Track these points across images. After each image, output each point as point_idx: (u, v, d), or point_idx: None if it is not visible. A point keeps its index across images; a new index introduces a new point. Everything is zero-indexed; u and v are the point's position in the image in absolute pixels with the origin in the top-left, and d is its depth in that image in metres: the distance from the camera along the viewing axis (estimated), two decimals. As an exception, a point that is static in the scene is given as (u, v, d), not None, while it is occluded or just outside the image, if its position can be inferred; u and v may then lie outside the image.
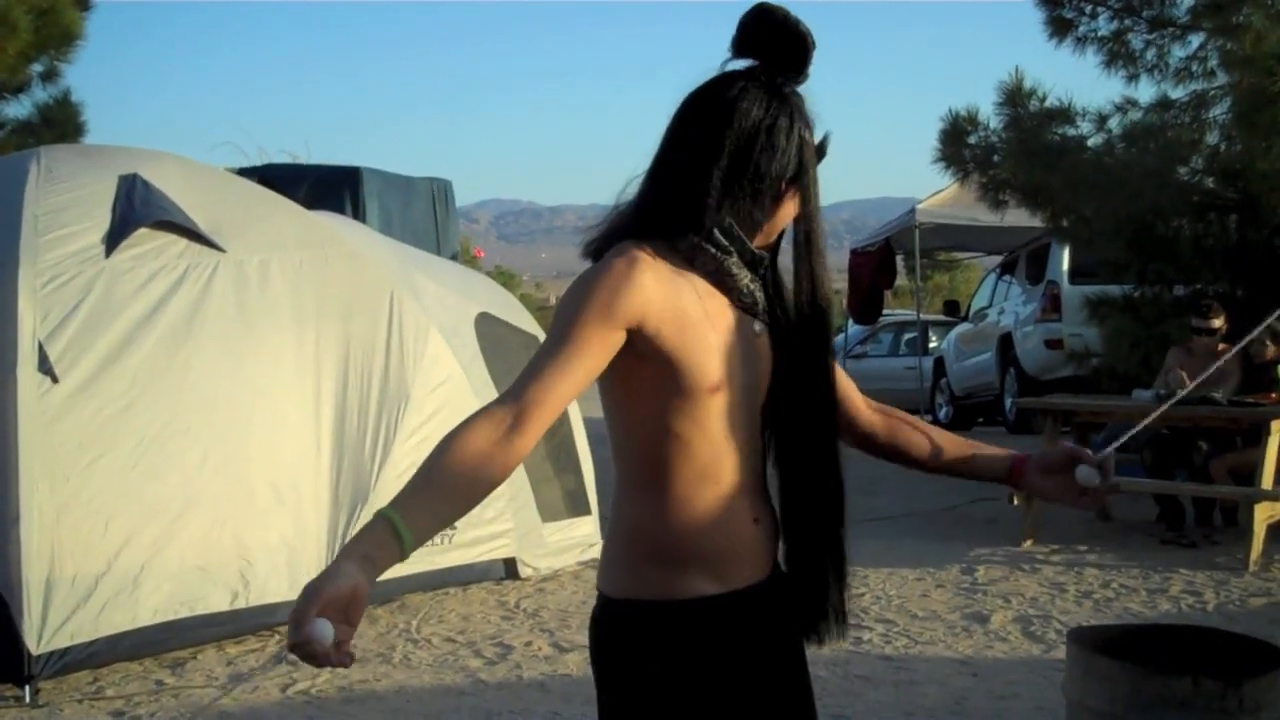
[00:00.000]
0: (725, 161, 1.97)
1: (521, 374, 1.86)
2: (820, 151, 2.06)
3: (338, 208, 11.56)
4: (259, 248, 6.41)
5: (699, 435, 1.98)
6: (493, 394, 7.10)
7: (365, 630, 6.15)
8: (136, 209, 6.08)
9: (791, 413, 2.11)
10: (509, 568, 7.13)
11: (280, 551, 5.86)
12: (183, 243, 6.13)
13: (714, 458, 2.01)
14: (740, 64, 2.02)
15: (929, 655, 5.72)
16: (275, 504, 5.92)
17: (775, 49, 2.00)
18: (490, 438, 1.79)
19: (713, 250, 2.00)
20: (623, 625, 2.06)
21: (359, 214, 11.98)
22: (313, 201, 11.18)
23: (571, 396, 1.87)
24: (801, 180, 2.03)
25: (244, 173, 12.33)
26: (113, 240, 5.92)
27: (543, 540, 7.33)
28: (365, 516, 6.15)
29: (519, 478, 7.14)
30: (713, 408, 1.98)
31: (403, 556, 1.73)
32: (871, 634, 6.05)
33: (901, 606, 6.57)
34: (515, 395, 1.83)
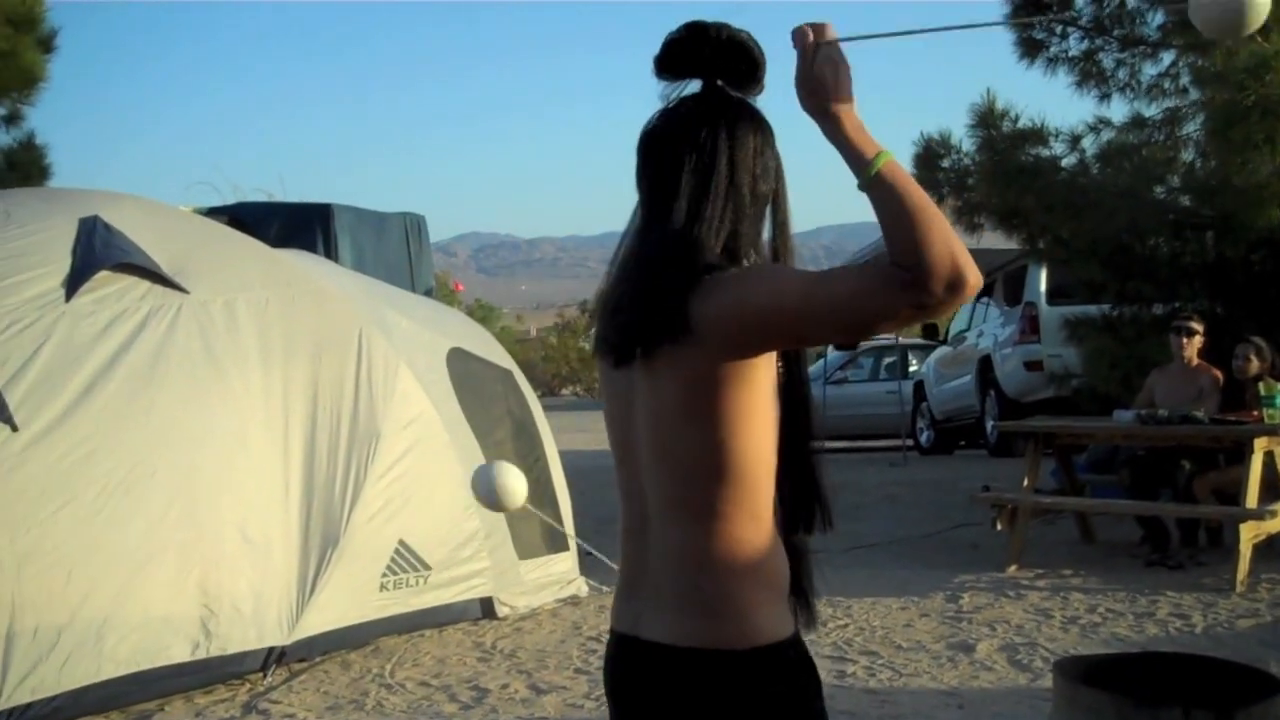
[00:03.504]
0: (745, 190, 1.97)
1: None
2: None
3: (310, 245, 11.45)
4: (224, 288, 6.30)
5: (773, 446, 1.96)
6: (465, 431, 7.01)
7: (338, 676, 6.02)
8: (97, 251, 5.97)
9: (786, 427, 2.04)
10: (486, 607, 6.99)
11: (246, 600, 5.72)
12: (145, 285, 6.02)
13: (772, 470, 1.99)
14: (694, 86, 2.00)
15: (914, 687, 5.61)
16: (243, 550, 5.79)
17: (728, 66, 1.98)
18: None
19: None
20: (786, 670, 1.95)
21: (331, 251, 11.86)
22: (284, 239, 11.07)
23: None
24: (779, 192, 2.03)
25: (214, 211, 12.20)
26: (73, 284, 5.81)
27: (520, 578, 7.21)
28: (336, 559, 6.07)
29: (495, 515, 7.01)
30: (775, 416, 1.97)
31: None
32: (855, 666, 5.93)
33: (886, 637, 6.46)
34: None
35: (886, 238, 1.77)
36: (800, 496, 2.06)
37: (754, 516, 1.95)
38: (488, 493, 3.55)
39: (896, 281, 1.74)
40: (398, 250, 13.41)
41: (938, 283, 1.72)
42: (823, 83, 1.82)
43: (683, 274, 1.91)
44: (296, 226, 11.93)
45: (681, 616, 1.94)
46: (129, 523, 5.49)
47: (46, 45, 11.57)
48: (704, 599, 1.93)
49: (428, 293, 12.99)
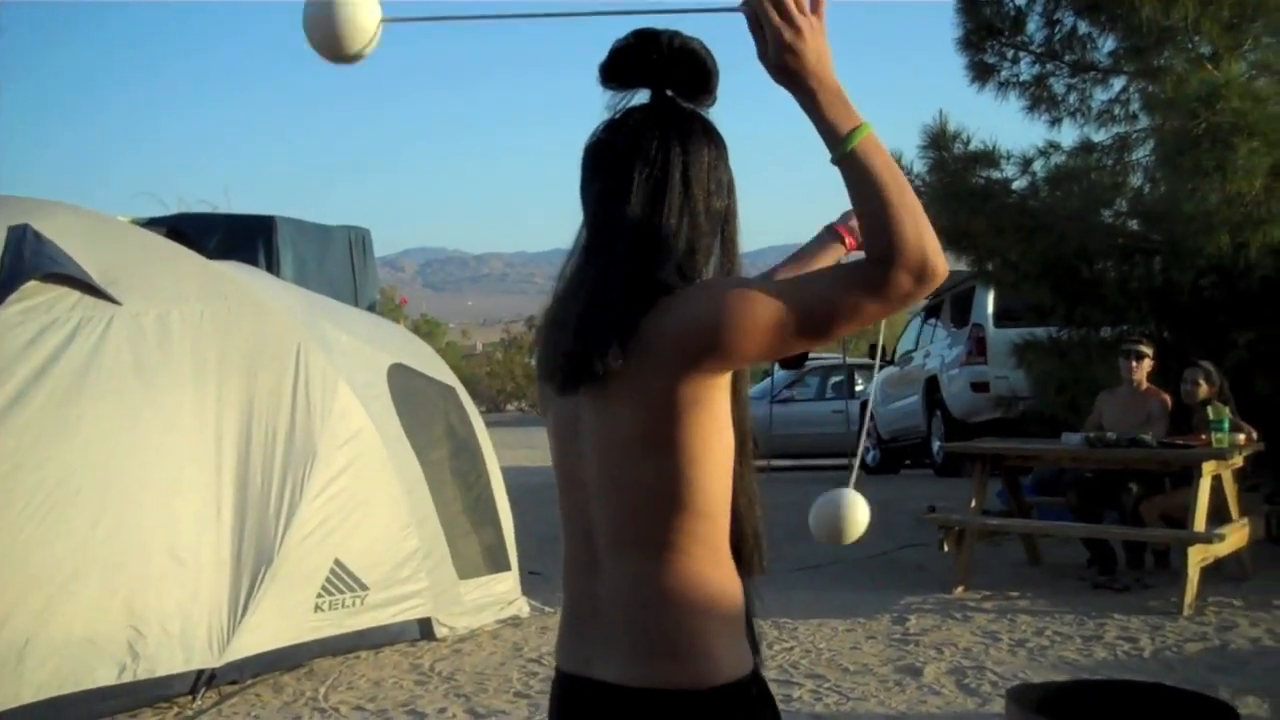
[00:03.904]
0: (700, 205, 1.87)
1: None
2: None
3: (251, 257, 11.25)
4: (158, 300, 6.11)
5: (730, 477, 1.87)
6: (405, 448, 6.86)
7: (270, 699, 5.84)
8: (26, 261, 5.77)
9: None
10: (424, 628, 6.83)
11: (175, 620, 5.54)
12: (75, 295, 5.83)
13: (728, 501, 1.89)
14: (643, 96, 1.90)
15: (861, 712, 5.51)
16: (172, 569, 5.61)
17: (678, 75, 1.88)
18: None
19: None
20: (749, 709, 1.85)
21: (273, 264, 11.66)
22: (225, 251, 10.86)
23: None
24: (730, 208, 1.93)
25: (155, 222, 11.98)
26: (0, 294, 5.62)
27: (460, 598, 7.05)
28: (269, 579, 5.89)
29: (434, 533, 6.87)
30: (732, 445, 1.87)
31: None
32: (802, 690, 5.82)
33: (832, 660, 6.36)
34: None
35: (857, 218, 1.69)
36: (738, 532, 1.93)
37: (712, 550, 1.84)
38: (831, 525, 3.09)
39: (863, 279, 1.67)
40: (341, 264, 13.23)
41: (904, 271, 1.64)
42: (779, 48, 1.69)
43: (637, 293, 1.79)
44: (238, 239, 11.72)
45: (637, 656, 1.82)
46: (53, 541, 5.30)
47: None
48: (661, 637, 1.82)
49: (371, 307, 12.82)
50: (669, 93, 1.89)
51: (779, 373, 19.26)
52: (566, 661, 1.95)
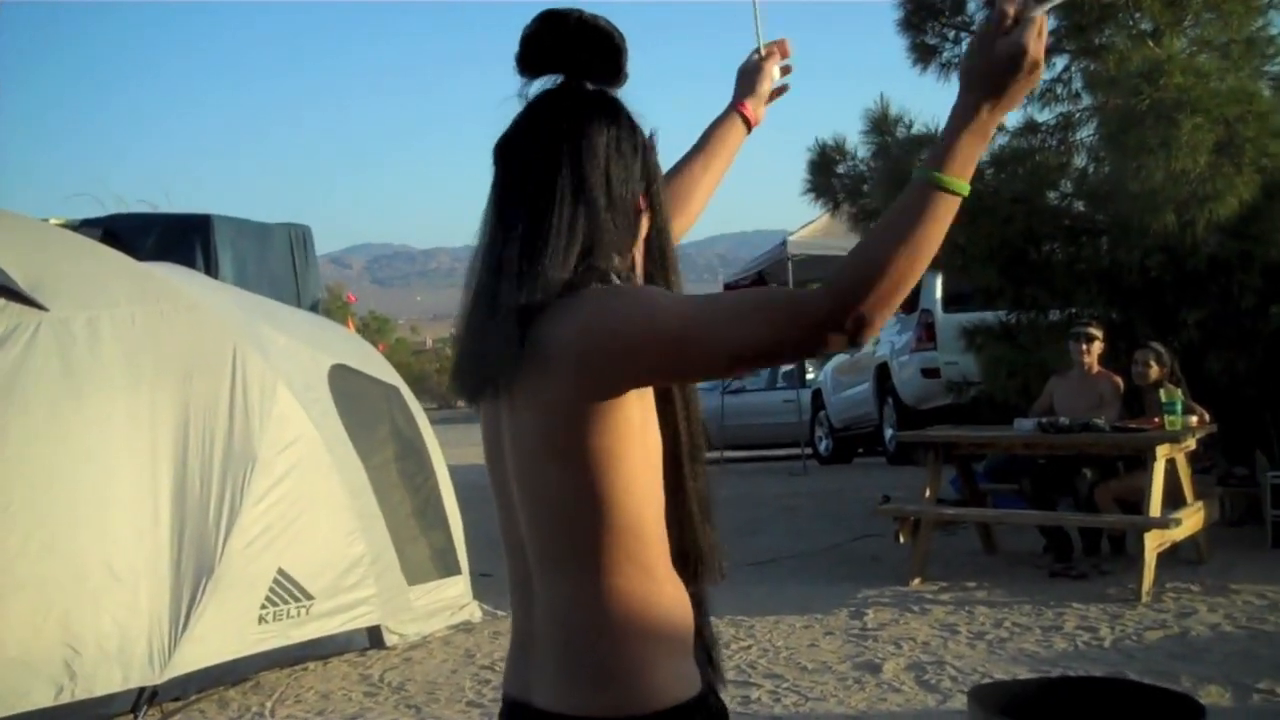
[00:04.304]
0: (598, 195, 1.73)
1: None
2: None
3: (188, 258, 11.02)
4: (87, 304, 5.91)
5: (658, 488, 1.75)
6: (349, 451, 6.69)
7: (215, 715, 5.67)
8: (-54, 268, 5.57)
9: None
10: (374, 636, 6.66)
11: (112, 637, 5.35)
12: (0, 303, 5.62)
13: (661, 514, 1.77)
14: (546, 82, 1.79)
15: (821, 712, 5.40)
16: (109, 585, 5.42)
17: (583, 57, 1.76)
18: None
19: None
20: None
21: (211, 264, 11.43)
22: (161, 252, 10.62)
23: None
24: (651, 190, 1.81)
25: (89, 224, 11.72)
26: (-82, 303, 5.41)
27: (409, 605, 6.89)
28: (211, 591, 5.71)
29: (381, 538, 6.71)
30: (657, 454, 1.75)
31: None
32: (760, 691, 5.71)
33: (790, 658, 6.25)
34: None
35: (872, 233, 1.56)
36: (678, 543, 1.81)
37: (643, 567, 1.72)
38: None
39: (796, 311, 1.56)
40: (282, 262, 13.00)
41: (851, 313, 1.53)
42: (1005, 67, 1.54)
43: (527, 295, 1.67)
44: (174, 239, 11.48)
45: (573, 682, 1.72)
46: (-19, 560, 5.11)
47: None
48: (595, 662, 1.71)
49: (314, 306, 12.61)
50: (575, 77, 1.78)
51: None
52: (510, 686, 1.85)
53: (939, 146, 1.56)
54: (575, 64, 1.76)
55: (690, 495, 1.83)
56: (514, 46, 1.77)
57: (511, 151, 1.78)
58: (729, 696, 5.32)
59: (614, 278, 1.73)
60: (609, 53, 1.76)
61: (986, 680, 5.63)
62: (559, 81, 1.78)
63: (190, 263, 10.83)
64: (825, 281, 1.57)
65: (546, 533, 1.73)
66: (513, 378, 1.68)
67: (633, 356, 1.62)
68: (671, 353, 1.61)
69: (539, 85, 1.79)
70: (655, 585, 1.73)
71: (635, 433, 1.69)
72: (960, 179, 1.55)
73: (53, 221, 11.21)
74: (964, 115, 1.56)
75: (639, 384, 1.68)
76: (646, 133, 1.83)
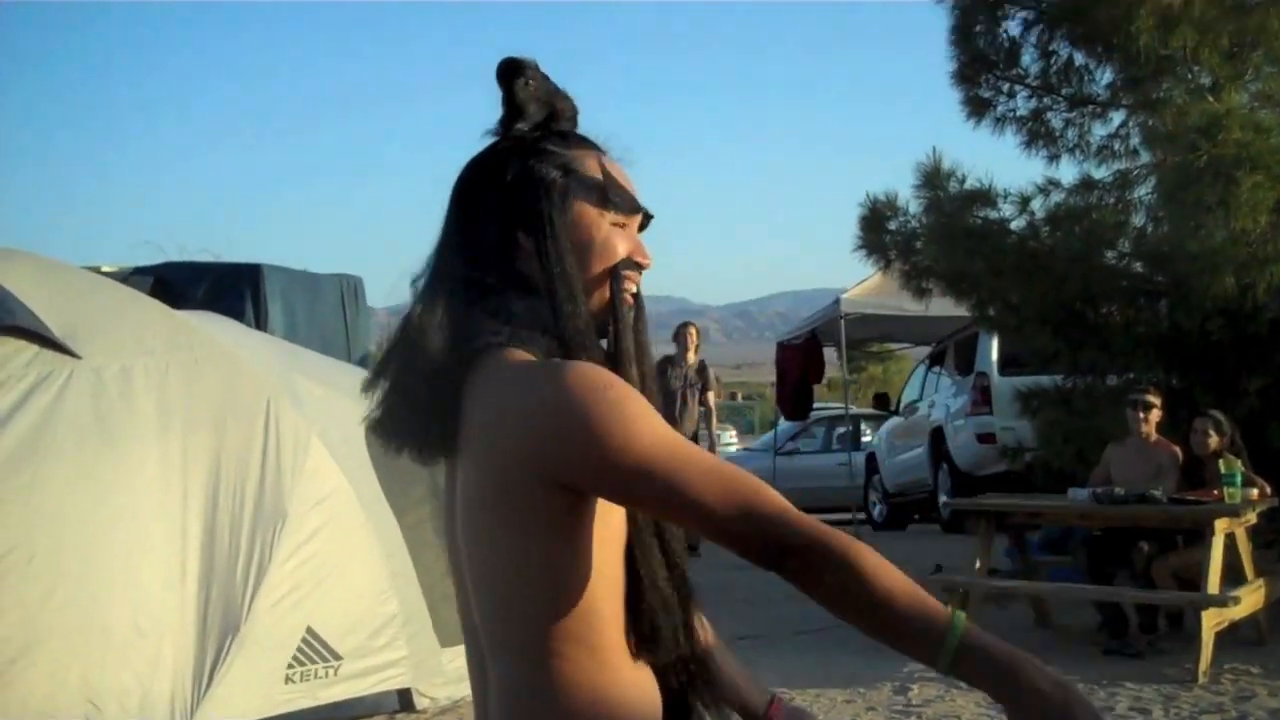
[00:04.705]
0: (556, 257, 1.65)
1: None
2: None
3: (238, 307, 11.04)
4: (120, 352, 5.83)
5: (616, 562, 1.63)
6: (384, 508, 6.56)
7: (236, 777, 5.52)
8: (-20, 313, 5.52)
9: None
10: (404, 699, 6.50)
11: (133, 694, 5.22)
12: (32, 349, 5.55)
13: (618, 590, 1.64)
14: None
15: (859, 791, 5.19)
16: (133, 639, 5.29)
17: (520, 110, 1.71)
18: None
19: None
20: None
21: (260, 314, 11.43)
22: (212, 300, 10.63)
23: None
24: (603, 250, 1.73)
25: (141, 271, 11.78)
26: (-50, 349, 5.36)
27: (441, 668, 6.71)
28: (236, 648, 5.57)
29: (414, 597, 6.56)
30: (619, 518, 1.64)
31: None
32: (796, 767, 5.49)
33: (830, 733, 6.04)
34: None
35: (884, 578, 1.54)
36: (638, 614, 1.66)
37: (593, 650, 1.58)
38: None
39: (777, 523, 1.50)
40: (333, 313, 12.99)
41: (810, 564, 1.51)
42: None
43: (455, 363, 1.60)
44: (225, 288, 11.51)
45: None
46: (5, 611, 4.99)
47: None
48: None
49: (363, 359, 12.57)
50: (518, 126, 1.70)
51: (783, 424, 18.95)
52: None
53: (986, 643, 1.52)
54: (520, 111, 1.70)
55: (647, 557, 1.67)
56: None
57: (453, 198, 1.74)
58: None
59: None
60: (564, 106, 1.72)
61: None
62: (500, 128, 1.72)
63: (240, 312, 10.84)
64: (816, 539, 1.51)
65: (493, 611, 1.61)
66: (450, 446, 1.60)
67: (586, 475, 1.53)
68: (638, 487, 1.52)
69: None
70: (608, 674, 1.59)
71: (586, 521, 1.58)
72: (960, 660, 1.51)
73: (104, 268, 11.26)
74: (1011, 668, 1.51)
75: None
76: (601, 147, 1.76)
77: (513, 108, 1.68)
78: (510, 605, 1.57)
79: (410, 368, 1.64)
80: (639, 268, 1.74)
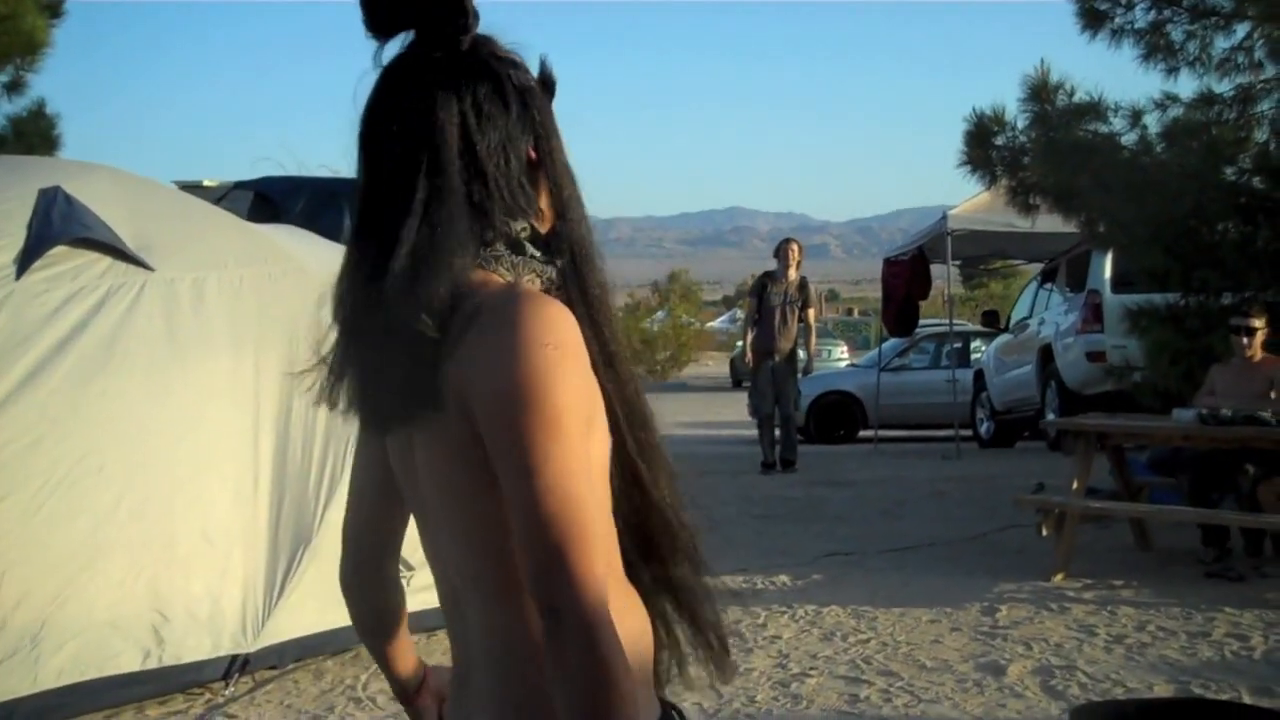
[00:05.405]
0: (466, 182, 1.51)
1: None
2: (546, 84, 1.60)
3: (336, 221, 11.03)
4: (194, 265, 5.83)
5: (603, 490, 1.55)
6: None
7: (307, 687, 5.57)
8: (55, 225, 5.52)
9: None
10: (480, 612, 6.51)
11: (203, 603, 5.26)
12: (106, 261, 5.56)
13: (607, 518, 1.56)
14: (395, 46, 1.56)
15: (932, 715, 5.06)
16: (202, 549, 5.32)
17: (424, 8, 1.52)
18: None
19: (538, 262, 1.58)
20: None
21: (356, 229, 11.44)
22: (310, 215, 10.65)
23: None
24: (540, 139, 1.58)
25: (242, 185, 11.85)
26: (26, 260, 5.35)
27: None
28: (309, 560, 5.59)
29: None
30: (602, 446, 1.55)
31: None
32: (870, 689, 5.38)
33: (909, 655, 5.90)
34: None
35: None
36: (644, 535, 1.61)
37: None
38: None
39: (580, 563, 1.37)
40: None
41: (574, 616, 1.36)
42: None
43: (423, 314, 1.47)
44: (322, 202, 11.49)
45: (511, 716, 1.51)
46: (73, 520, 5.05)
47: (54, 9, 11.10)
48: (530, 692, 1.48)
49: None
50: (424, 32, 1.54)
51: (888, 341, 18.67)
52: (452, 717, 1.67)
53: None
54: (418, 18, 1.52)
55: (645, 478, 1.61)
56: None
57: (367, 143, 1.56)
58: (834, 695, 5.02)
59: (524, 249, 1.55)
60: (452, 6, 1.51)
61: (1119, 689, 5.24)
62: (407, 45, 1.55)
63: (337, 226, 10.83)
64: (588, 618, 1.34)
65: (471, 554, 1.52)
66: (426, 411, 1.48)
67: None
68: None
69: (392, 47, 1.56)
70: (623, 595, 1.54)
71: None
72: None
73: (205, 183, 11.35)
74: None
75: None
76: (531, 66, 1.59)
77: (460, 8, 1.52)
78: (496, 546, 1.48)
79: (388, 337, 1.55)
80: None
